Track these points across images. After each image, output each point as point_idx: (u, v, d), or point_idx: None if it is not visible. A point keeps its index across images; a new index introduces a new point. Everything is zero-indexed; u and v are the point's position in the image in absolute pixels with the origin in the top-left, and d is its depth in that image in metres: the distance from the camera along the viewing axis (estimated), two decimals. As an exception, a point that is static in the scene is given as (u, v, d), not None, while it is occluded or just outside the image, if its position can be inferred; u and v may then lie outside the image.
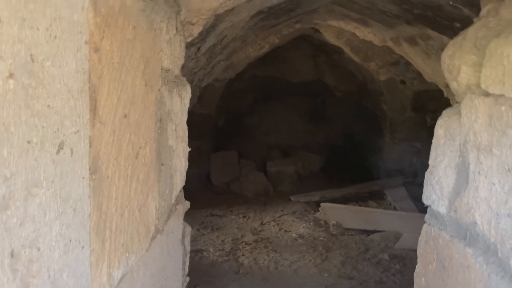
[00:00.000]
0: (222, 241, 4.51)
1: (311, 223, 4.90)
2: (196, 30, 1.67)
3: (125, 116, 0.91)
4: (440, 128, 1.56)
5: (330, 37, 5.04)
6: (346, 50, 5.23)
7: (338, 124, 7.54)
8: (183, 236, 1.56)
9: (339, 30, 4.76)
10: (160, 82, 1.16)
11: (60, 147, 0.64)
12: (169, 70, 1.26)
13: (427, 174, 1.64)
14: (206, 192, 6.15)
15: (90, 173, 0.76)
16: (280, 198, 5.83)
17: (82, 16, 0.69)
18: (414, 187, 6.09)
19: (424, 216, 1.62)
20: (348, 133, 7.55)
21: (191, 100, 2.48)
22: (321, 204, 5.22)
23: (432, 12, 2.56)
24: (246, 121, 7.46)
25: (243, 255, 4.19)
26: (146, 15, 1.01)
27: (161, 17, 1.14)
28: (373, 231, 4.65)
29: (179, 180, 1.42)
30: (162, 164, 1.22)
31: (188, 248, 1.63)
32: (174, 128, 1.32)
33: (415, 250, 4.27)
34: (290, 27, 4.55)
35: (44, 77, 0.59)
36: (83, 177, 0.73)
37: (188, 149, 1.54)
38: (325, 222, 4.92)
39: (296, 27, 4.62)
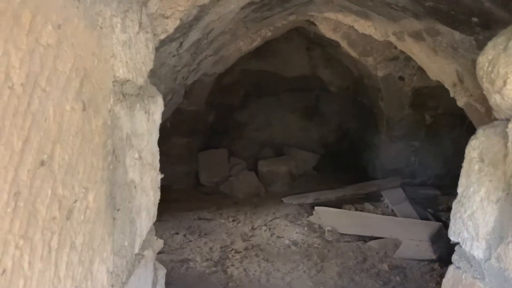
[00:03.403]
0: (210, 248, 4.21)
1: (305, 228, 4.61)
2: (172, 25, 1.34)
3: (43, 163, 0.59)
4: (474, 150, 1.26)
5: (326, 30, 4.71)
6: (343, 44, 4.91)
7: (333, 121, 7.23)
8: (154, 283, 1.24)
9: (336, 23, 4.44)
10: (111, 99, 0.83)
11: None
12: (128, 81, 0.93)
13: (455, 204, 1.34)
14: (194, 192, 5.82)
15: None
16: (272, 199, 5.52)
17: None
18: (412, 188, 5.82)
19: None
20: (343, 130, 7.25)
21: (175, 99, 2.14)
22: (315, 208, 4.92)
23: (448, 5, 2.25)
24: (237, 117, 7.12)
25: (232, 265, 3.89)
26: (83, 8, 0.69)
27: (113, 9, 0.82)
28: (371, 238, 4.37)
29: (146, 220, 1.10)
30: (118, 210, 0.90)
31: (162, 294, 1.32)
32: (137, 155, 1.00)
33: (416, 260, 3.96)
34: (284, 19, 4.21)
35: None
36: None
37: (161, 176, 1.22)
38: (320, 227, 4.63)
39: (290, 19, 4.29)
